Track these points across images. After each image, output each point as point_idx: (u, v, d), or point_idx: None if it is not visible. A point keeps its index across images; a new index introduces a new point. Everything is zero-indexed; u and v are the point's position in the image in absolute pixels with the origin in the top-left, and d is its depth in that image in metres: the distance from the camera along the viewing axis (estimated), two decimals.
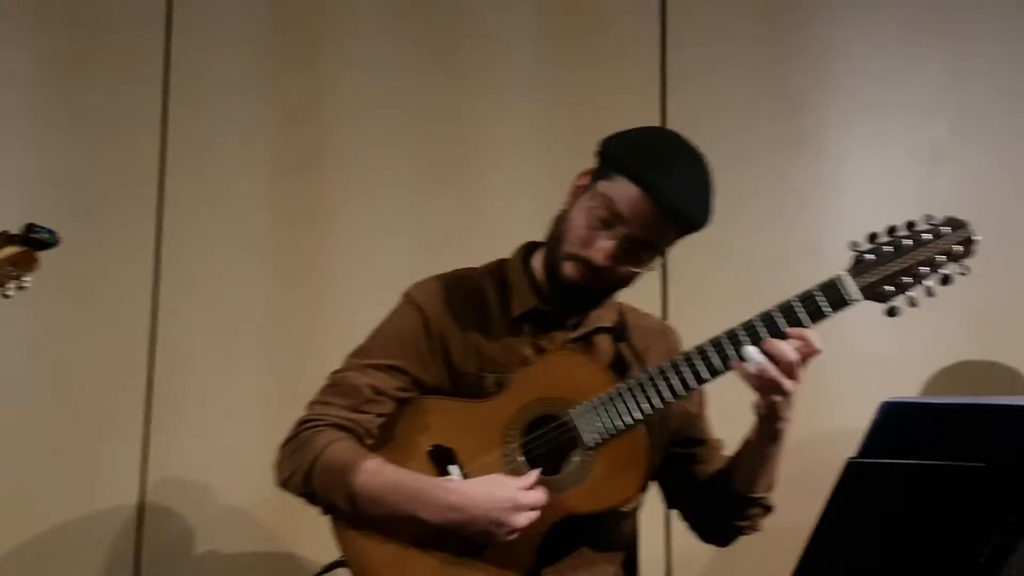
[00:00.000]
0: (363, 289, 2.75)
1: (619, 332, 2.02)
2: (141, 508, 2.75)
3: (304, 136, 2.88)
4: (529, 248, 2.04)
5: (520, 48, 2.92)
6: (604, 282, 1.93)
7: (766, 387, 1.79)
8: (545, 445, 1.89)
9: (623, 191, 1.86)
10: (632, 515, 2.05)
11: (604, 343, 2.01)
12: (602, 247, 1.88)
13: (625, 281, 1.95)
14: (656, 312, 2.78)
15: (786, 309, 1.79)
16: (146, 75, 2.88)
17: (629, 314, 2.08)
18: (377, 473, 1.86)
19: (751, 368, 1.77)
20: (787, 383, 1.78)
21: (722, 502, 1.99)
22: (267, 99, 2.89)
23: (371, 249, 2.82)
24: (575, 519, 1.89)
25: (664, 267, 2.83)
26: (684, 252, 2.81)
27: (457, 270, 2.06)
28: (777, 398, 1.80)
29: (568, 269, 1.92)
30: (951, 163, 2.85)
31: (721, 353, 1.81)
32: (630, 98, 2.87)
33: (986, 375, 2.78)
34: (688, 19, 2.93)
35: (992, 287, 2.82)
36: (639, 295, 2.71)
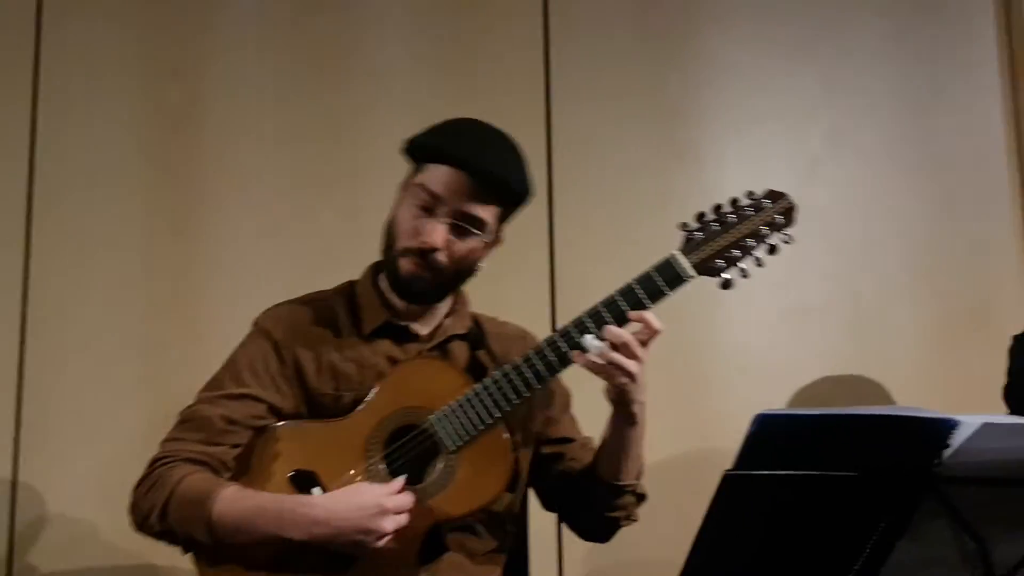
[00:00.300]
0: (242, 301, 2.68)
1: (475, 339, 2.03)
2: (12, 530, 2.66)
3: (180, 144, 2.82)
4: (377, 267, 2.05)
5: (402, 52, 2.90)
6: (444, 270, 1.94)
7: (610, 371, 1.83)
8: (408, 455, 1.89)
9: (435, 173, 1.92)
10: (515, 516, 2.05)
11: (460, 350, 2.03)
12: (430, 230, 1.90)
13: (465, 268, 1.97)
14: (545, 319, 2.80)
15: (626, 292, 1.85)
16: (15, 83, 2.80)
17: (487, 323, 2.10)
18: (235, 500, 1.83)
19: (592, 355, 1.82)
20: (630, 364, 1.82)
21: (593, 495, 2.01)
22: (142, 107, 2.82)
23: (250, 260, 2.78)
24: (447, 524, 1.89)
25: (552, 275, 2.85)
26: (571, 258, 2.88)
27: (307, 294, 2.07)
28: (623, 380, 1.84)
29: (406, 265, 1.93)
30: (826, 173, 2.92)
31: (569, 342, 1.85)
32: (514, 106, 2.87)
33: (860, 384, 2.84)
34: (571, 28, 2.94)
35: (865, 296, 2.90)
36: (527, 304, 2.75)
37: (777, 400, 2.78)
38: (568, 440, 2.09)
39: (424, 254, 1.91)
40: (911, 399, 2.67)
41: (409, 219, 1.93)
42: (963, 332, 2.87)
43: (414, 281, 1.94)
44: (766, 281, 2.82)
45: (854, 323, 2.89)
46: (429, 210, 1.91)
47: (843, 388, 2.83)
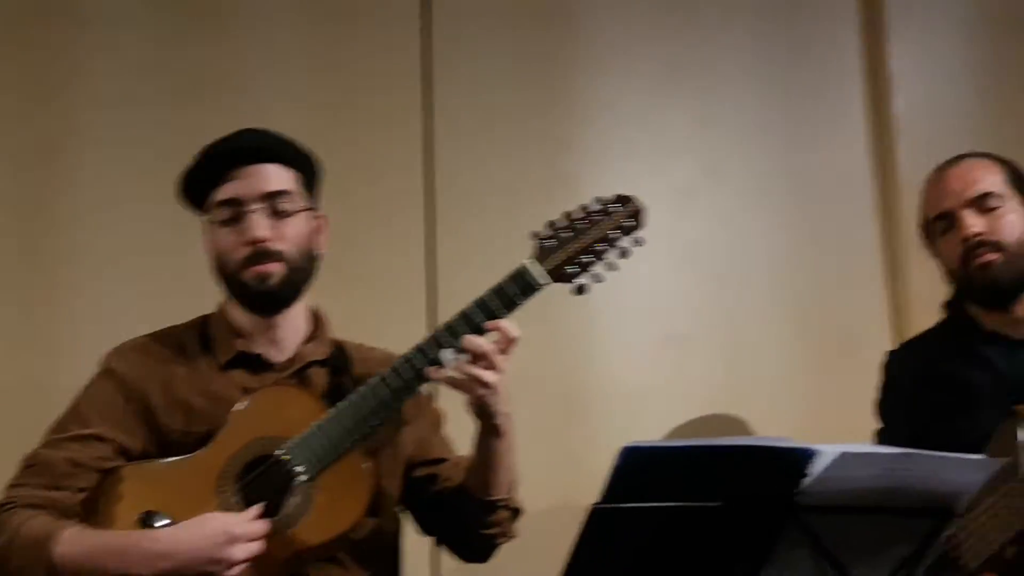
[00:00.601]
0: (104, 323, 2.63)
1: (336, 365, 2.01)
2: None
3: (44, 168, 2.75)
4: (229, 300, 2.03)
5: (282, 55, 2.87)
6: (286, 257, 1.94)
7: (469, 385, 1.83)
8: (263, 486, 1.84)
9: (217, 192, 1.95)
10: (384, 543, 2.02)
11: (319, 377, 2.00)
12: (248, 229, 1.91)
13: (306, 249, 1.97)
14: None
15: (481, 304, 1.86)
16: None
17: (352, 349, 2.07)
18: (77, 540, 1.78)
19: (448, 369, 1.82)
20: (487, 375, 1.82)
21: (467, 513, 1.99)
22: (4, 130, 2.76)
23: (114, 284, 2.71)
24: (308, 554, 1.85)
25: (429, 294, 2.83)
26: (450, 277, 2.85)
27: (158, 330, 2.04)
28: (483, 392, 1.84)
29: (249, 276, 1.94)
30: (699, 205, 2.97)
31: (425, 358, 1.84)
32: (392, 137, 2.86)
33: (734, 413, 2.88)
34: (452, 52, 2.94)
35: (738, 327, 2.95)
36: (403, 321, 2.72)
37: (651, 429, 2.81)
38: (441, 460, 2.07)
39: (259, 255, 1.91)
40: (782, 428, 2.71)
41: (225, 240, 1.94)
42: (831, 361, 2.94)
43: (266, 280, 1.93)
44: (641, 311, 2.93)
45: (727, 353, 2.94)
46: (235, 218, 1.93)
47: (717, 417, 2.87)
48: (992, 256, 2.17)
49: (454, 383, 1.83)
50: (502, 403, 1.87)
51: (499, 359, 1.83)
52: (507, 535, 2.02)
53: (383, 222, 2.83)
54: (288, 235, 1.94)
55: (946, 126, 3.06)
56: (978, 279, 2.18)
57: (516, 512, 2.02)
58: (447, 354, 1.82)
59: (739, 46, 3.05)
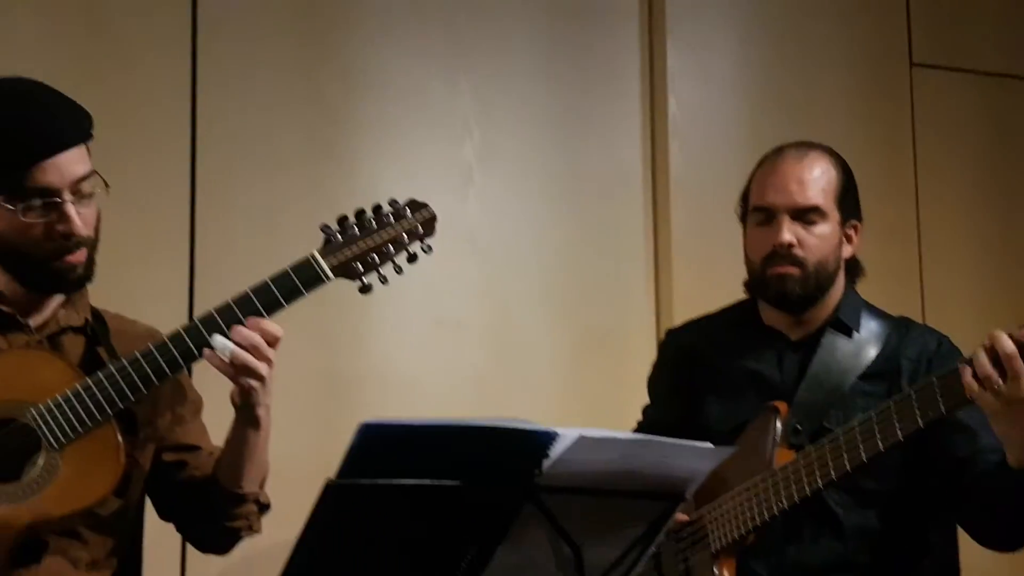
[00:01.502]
0: None
1: (93, 334, 1.94)
2: None
3: None
4: None
5: (46, 52, 2.72)
6: (95, 244, 1.89)
7: (239, 374, 1.81)
8: (4, 451, 1.77)
9: (32, 174, 1.81)
10: (128, 522, 1.96)
11: (74, 344, 1.93)
12: (70, 220, 1.83)
13: (97, 231, 1.90)
14: (183, 310, 2.72)
15: (261, 289, 1.83)
16: None
17: (111, 319, 2.00)
18: None
19: (223, 356, 1.79)
20: (260, 367, 1.80)
21: (212, 504, 1.95)
22: None
23: None
24: (46, 525, 1.78)
25: (192, 266, 2.76)
26: (213, 250, 2.76)
27: None
28: (251, 383, 1.82)
29: (60, 266, 1.85)
30: (478, 187, 2.99)
31: (197, 338, 1.81)
32: (159, 100, 2.77)
33: (503, 398, 2.93)
34: (220, 28, 2.85)
35: (511, 312, 3.00)
36: (164, 293, 2.64)
37: (422, 413, 2.81)
38: (194, 448, 2.01)
39: (72, 242, 1.83)
40: (547, 414, 2.77)
41: (39, 230, 1.83)
42: (596, 352, 3.02)
43: (78, 270, 1.86)
44: (416, 292, 2.92)
45: (500, 339, 2.98)
46: (52, 206, 1.82)
47: (487, 402, 2.90)
48: (791, 269, 2.16)
49: (225, 369, 1.80)
50: (267, 395, 1.85)
51: (270, 351, 1.81)
52: (252, 529, 1.99)
53: (146, 193, 2.74)
54: (93, 222, 1.88)
55: (719, 130, 3.19)
56: (773, 285, 2.19)
57: (264, 507, 1.99)
58: (220, 340, 1.79)
59: (526, 35, 3.08)
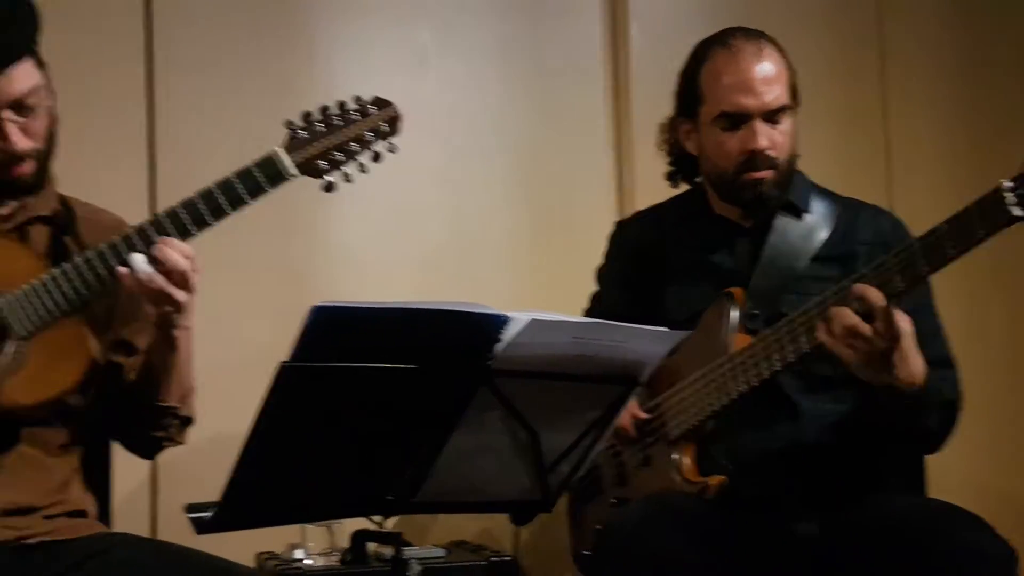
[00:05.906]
0: None
1: (62, 223, 1.92)
2: None
3: None
4: None
5: None
6: (37, 155, 1.87)
7: (155, 297, 1.78)
8: None
9: None
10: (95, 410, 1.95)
11: (41, 234, 1.91)
12: (3, 135, 1.81)
13: (52, 136, 1.88)
14: (143, 206, 2.68)
15: (225, 185, 1.81)
16: None
17: (79, 207, 1.98)
18: None
19: (140, 275, 1.76)
20: (179, 294, 1.78)
21: (137, 411, 1.95)
22: None
23: None
24: (16, 412, 1.78)
25: (152, 160, 2.71)
26: (172, 139, 2.72)
27: None
28: (169, 309, 1.80)
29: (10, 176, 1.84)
30: (435, 69, 2.93)
31: (159, 232, 1.79)
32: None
33: (459, 282, 2.92)
34: None
35: (468, 194, 2.96)
36: (123, 188, 2.57)
37: (376, 294, 2.79)
38: (135, 350, 1.98)
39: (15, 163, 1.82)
40: (504, 296, 2.76)
41: None
42: (555, 234, 3.00)
43: (27, 180, 1.85)
44: (373, 177, 2.86)
45: (458, 224, 2.96)
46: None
47: (443, 285, 2.89)
48: (767, 173, 2.12)
49: (141, 289, 1.77)
50: (186, 319, 1.83)
51: (195, 279, 1.78)
52: (175, 441, 1.99)
53: (101, 91, 2.68)
54: (36, 132, 1.85)
55: (679, 11, 3.12)
56: (748, 191, 2.14)
57: (187, 421, 1.99)
58: (139, 260, 1.75)
59: None
